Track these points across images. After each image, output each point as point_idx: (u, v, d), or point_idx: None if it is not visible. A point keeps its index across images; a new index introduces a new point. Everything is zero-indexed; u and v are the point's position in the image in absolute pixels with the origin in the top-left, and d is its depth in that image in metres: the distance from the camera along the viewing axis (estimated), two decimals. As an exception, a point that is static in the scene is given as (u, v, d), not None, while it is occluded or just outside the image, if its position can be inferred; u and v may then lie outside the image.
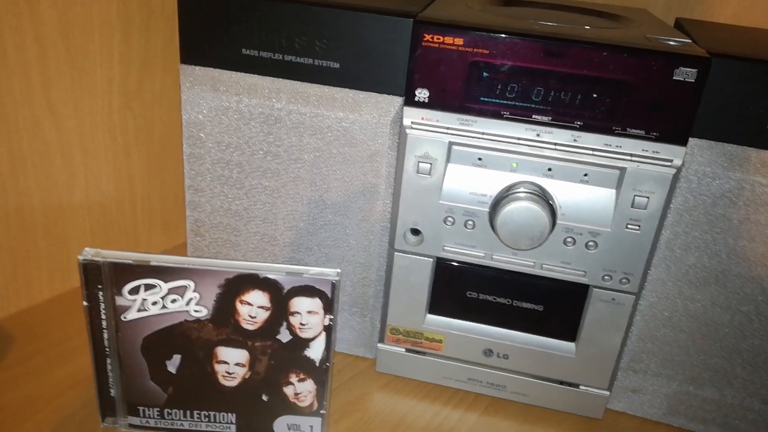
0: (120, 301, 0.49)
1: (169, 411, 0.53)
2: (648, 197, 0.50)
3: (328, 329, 0.50)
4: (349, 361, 0.65)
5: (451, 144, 0.52)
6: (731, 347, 0.55)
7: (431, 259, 0.57)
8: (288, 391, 0.53)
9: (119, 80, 0.68)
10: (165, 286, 0.49)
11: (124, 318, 0.50)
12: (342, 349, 0.65)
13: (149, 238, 0.78)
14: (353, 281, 0.61)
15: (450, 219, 0.54)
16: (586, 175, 0.51)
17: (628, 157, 0.50)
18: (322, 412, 0.54)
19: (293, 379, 0.52)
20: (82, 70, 0.64)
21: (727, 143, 0.49)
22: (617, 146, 0.50)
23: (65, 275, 0.70)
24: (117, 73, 0.67)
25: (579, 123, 0.50)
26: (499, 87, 0.50)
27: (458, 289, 0.58)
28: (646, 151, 0.49)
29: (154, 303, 0.49)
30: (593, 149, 0.50)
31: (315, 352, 0.51)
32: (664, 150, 0.49)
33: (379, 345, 0.62)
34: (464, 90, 0.51)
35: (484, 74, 0.50)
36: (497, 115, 0.51)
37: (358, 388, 0.62)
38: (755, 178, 0.49)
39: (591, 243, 0.52)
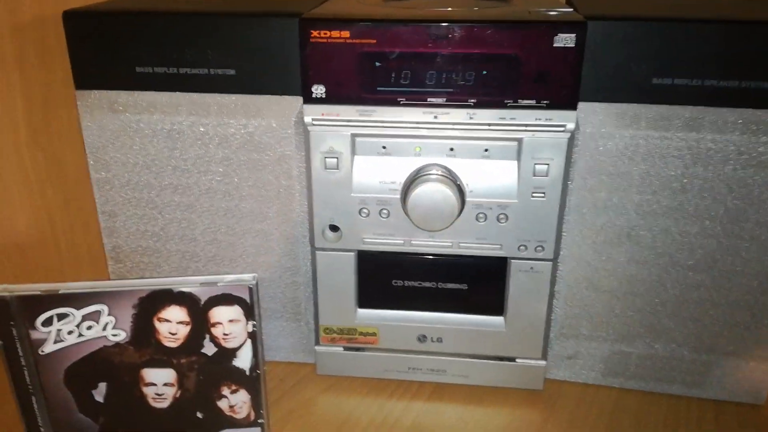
0: (35, 334, 0.48)
1: (102, 441, 0.52)
2: (548, 164, 0.51)
3: (253, 336, 0.50)
4: (290, 369, 0.64)
5: (353, 136, 0.53)
6: (654, 301, 0.56)
7: (353, 253, 0.57)
8: (222, 404, 0.52)
9: (23, 117, 0.66)
10: (78, 314, 0.48)
11: (42, 352, 0.49)
12: (281, 357, 0.64)
13: (78, 273, 0.76)
14: (282, 287, 0.61)
15: (365, 210, 0.54)
16: (486, 150, 0.52)
17: (523, 128, 0.51)
18: (260, 421, 0.53)
19: (225, 391, 0.52)
20: (-17, 110, 0.62)
21: (616, 103, 0.51)
22: (512, 118, 0.51)
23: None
24: (20, 111, 0.66)
25: (473, 101, 0.51)
26: (392, 75, 0.51)
27: (384, 279, 0.58)
28: (539, 119, 0.50)
29: (70, 332, 0.48)
30: (489, 124, 0.51)
31: (243, 361, 0.51)
32: (557, 116, 0.50)
33: (316, 347, 0.62)
34: (358, 81, 0.51)
35: (376, 64, 0.51)
36: (394, 102, 0.52)
37: (301, 394, 0.61)
38: (648, 132, 0.51)
39: (502, 216, 0.53)
